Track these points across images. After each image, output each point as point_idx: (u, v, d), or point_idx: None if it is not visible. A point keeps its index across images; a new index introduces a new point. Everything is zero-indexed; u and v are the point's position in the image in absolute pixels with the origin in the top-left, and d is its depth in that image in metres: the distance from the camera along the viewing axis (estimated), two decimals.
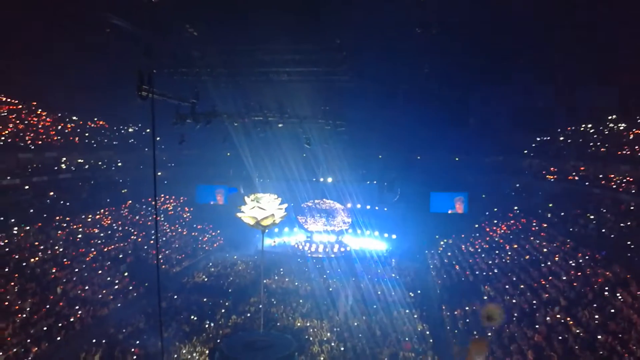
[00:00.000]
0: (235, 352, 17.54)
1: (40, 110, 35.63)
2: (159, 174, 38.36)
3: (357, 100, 21.85)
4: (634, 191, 26.72)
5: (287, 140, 20.50)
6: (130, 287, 26.02)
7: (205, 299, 25.81)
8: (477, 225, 36.07)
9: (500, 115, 34.64)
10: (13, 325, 19.22)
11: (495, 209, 36.90)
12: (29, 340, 18.78)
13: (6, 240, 25.28)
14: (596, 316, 18.24)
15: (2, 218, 26.57)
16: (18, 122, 32.94)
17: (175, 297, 25.98)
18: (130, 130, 44.75)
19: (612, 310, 18.24)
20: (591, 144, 34.02)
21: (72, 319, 21.32)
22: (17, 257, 24.20)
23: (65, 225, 29.63)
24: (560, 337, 17.76)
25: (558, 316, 19.23)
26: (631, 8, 18.31)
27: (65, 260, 25.83)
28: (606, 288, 19.92)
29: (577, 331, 17.78)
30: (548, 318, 19.33)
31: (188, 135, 17.46)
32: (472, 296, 24.23)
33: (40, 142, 33.18)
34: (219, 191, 40.82)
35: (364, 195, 38.91)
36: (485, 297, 23.56)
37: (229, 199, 38.56)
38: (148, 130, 39.28)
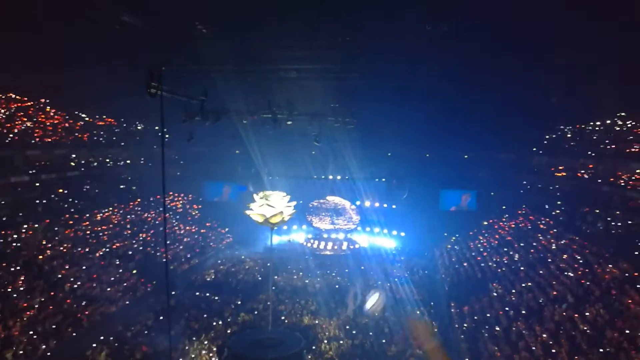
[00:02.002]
0: (243, 349, 17.62)
1: (48, 107, 35.83)
2: (169, 173, 38.45)
3: (366, 98, 21.76)
4: None
5: (296, 138, 20.44)
6: (139, 285, 26.12)
7: (214, 297, 25.87)
8: (485, 223, 35.96)
9: (511, 113, 34.44)
10: (21, 323, 19.33)
11: (504, 207, 36.76)
12: (36, 338, 18.86)
13: (15, 237, 25.44)
14: (604, 313, 18.17)
15: (11, 215, 26.75)
16: (26, 119, 33.14)
17: (184, 294, 26.06)
18: (139, 127, 44.92)
19: (620, 308, 18.16)
20: (600, 141, 33.81)
21: (80, 317, 21.43)
22: (25, 254, 24.35)
23: (73, 222, 29.78)
24: (567, 334, 17.70)
25: (565, 313, 19.15)
26: None
27: (73, 258, 25.94)
28: (613, 285, 19.83)
29: (585, 328, 17.71)
30: (556, 316, 19.26)
31: (197, 132, 17.49)
32: (480, 293, 24.18)
33: (49, 140, 33.36)
34: (226, 187, 40.96)
35: (373, 192, 38.86)
36: (495, 294, 23.48)
37: (238, 196, 38.59)
38: (157, 127, 39.40)
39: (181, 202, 41.79)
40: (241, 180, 36.57)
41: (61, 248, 26.41)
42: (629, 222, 25.08)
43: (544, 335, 18.09)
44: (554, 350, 17.03)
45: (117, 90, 29.41)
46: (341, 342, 20.50)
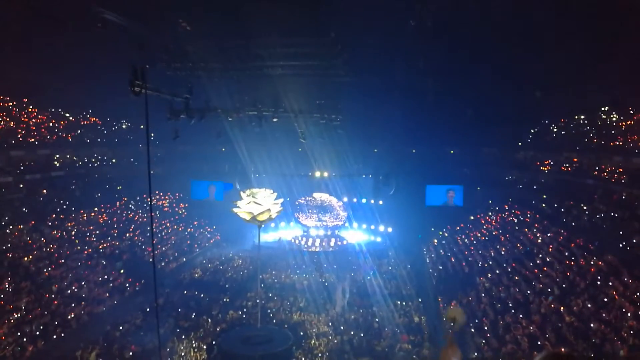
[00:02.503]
0: (233, 346, 17.65)
1: (31, 107, 35.37)
2: (154, 172, 38.20)
3: (352, 94, 21.82)
4: (625, 182, 26.94)
5: (282, 135, 20.46)
6: (127, 285, 25.96)
7: (202, 295, 25.82)
8: (472, 217, 36.24)
9: (495, 108, 34.79)
10: (8, 324, 19.14)
11: (491, 201, 37.09)
12: (24, 339, 18.71)
13: (0, 238, 25.13)
14: (589, 305, 18.44)
15: None
16: (9, 119, 32.68)
17: (172, 293, 25.96)
18: (123, 126, 44.54)
19: (605, 299, 18.44)
20: (584, 135, 34.24)
21: (68, 317, 21.28)
22: (10, 256, 24.07)
23: (59, 223, 29.47)
24: (554, 326, 17.94)
25: (552, 306, 19.40)
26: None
27: (59, 258, 25.71)
28: (599, 277, 20.13)
29: (571, 320, 17.96)
30: (542, 308, 19.50)
31: (182, 130, 17.42)
32: (467, 287, 24.41)
33: (32, 140, 32.94)
34: (212, 187, 40.79)
35: (360, 189, 39.00)
36: (481, 288, 23.71)
37: (224, 195, 38.44)
38: (142, 126, 39.10)
39: (168, 201, 41.54)
40: (228, 178, 36.50)
41: (47, 249, 26.13)
42: (613, 214, 25.42)
43: (531, 328, 18.32)
44: (540, 342, 17.26)
45: (100, 89, 29.16)
46: (330, 337, 20.58)
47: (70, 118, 38.66)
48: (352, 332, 21.00)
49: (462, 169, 40.48)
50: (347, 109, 19.63)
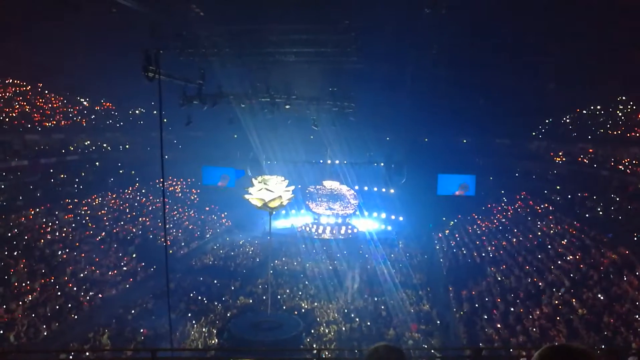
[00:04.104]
0: (243, 332, 17.80)
1: (47, 91, 35.66)
2: (167, 157, 38.45)
3: (365, 82, 21.65)
4: None
5: (294, 122, 20.38)
6: (139, 269, 26.26)
7: (213, 281, 26.04)
8: (484, 207, 36.01)
9: (509, 98, 34.35)
10: (23, 306, 19.49)
11: (503, 191, 36.79)
12: (39, 321, 19.05)
13: (15, 222, 25.50)
14: (601, 297, 18.28)
15: (10, 200, 26.77)
16: (25, 103, 32.99)
17: (184, 278, 26.22)
18: (137, 112, 44.75)
19: (618, 292, 18.26)
20: (600, 126, 33.73)
21: (81, 300, 21.60)
22: (26, 238, 24.43)
23: (73, 207, 29.83)
24: (565, 318, 17.82)
25: (563, 298, 19.27)
26: None
27: (73, 241, 26.06)
28: (612, 270, 19.92)
29: (582, 312, 17.83)
30: (554, 300, 19.38)
31: (194, 116, 17.43)
32: (478, 277, 24.32)
33: (47, 124, 33.24)
34: (224, 176, 40.88)
35: (371, 177, 38.87)
36: (491, 279, 23.61)
37: (236, 182, 38.53)
38: (155, 111, 39.24)
39: (180, 186, 41.81)
40: (239, 164, 36.56)
41: (61, 232, 26.49)
42: (628, 207, 25.09)
43: (542, 320, 18.23)
44: (551, 334, 17.17)
45: (114, 74, 29.26)
46: (340, 325, 20.67)
47: (85, 103, 38.91)
48: (360, 320, 21.06)
49: (474, 159, 40.14)
50: (360, 96, 19.47)
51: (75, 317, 20.48)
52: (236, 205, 34.98)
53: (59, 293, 21.37)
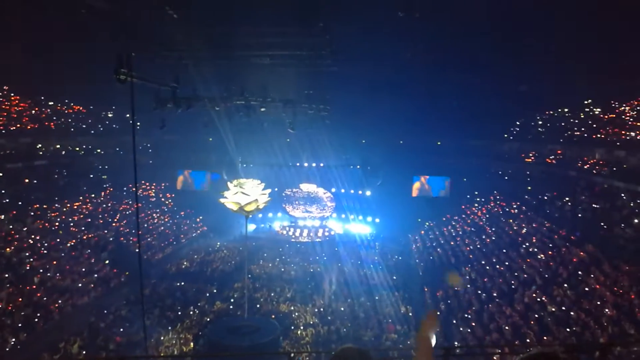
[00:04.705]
0: (220, 337, 17.64)
1: (12, 94, 34.66)
2: (141, 161, 37.80)
3: (340, 85, 21.74)
4: (607, 174, 27.37)
5: (270, 125, 20.34)
6: (112, 275, 25.74)
7: (189, 286, 25.71)
8: (458, 208, 36.53)
9: (482, 100, 34.96)
10: None
11: (477, 192, 37.40)
12: (5, 331, 18.44)
13: None
14: (570, 294, 18.75)
15: None
16: None
17: (159, 284, 25.81)
18: (109, 115, 43.92)
19: (586, 289, 18.77)
20: (568, 128, 34.65)
21: (51, 309, 21.01)
22: None
23: (42, 213, 29.04)
24: (536, 315, 18.23)
25: (534, 295, 19.70)
26: None
27: (42, 249, 25.37)
28: (580, 267, 20.48)
29: (553, 309, 18.26)
30: (526, 298, 19.79)
31: (169, 120, 17.23)
32: None
33: (13, 128, 32.35)
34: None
35: (348, 179, 39.02)
36: (467, 278, 23.96)
37: (208, 186, 38.28)
38: (128, 115, 38.61)
39: (154, 191, 41.19)
40: (215, 168, 36.30)
41: (30, 239, 25.75)
42: (595, 206, 25.84)
43: (515, 317, 18.59)
44: (523, 331, 17.53)
45: (85, 77, 28.64)
46: (317, 328, 20.66)
47: (54, 106, 38.00)
48: (338, 322, 21.10)
49: (449, 161, 40.69)
50: (336, 99, 19.59)
51: (45, 326, 19.91)
52: (212, 209, 34.65)
53: (27, 302, 20.74)
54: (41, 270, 23.41)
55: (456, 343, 17.96)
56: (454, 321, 19.94)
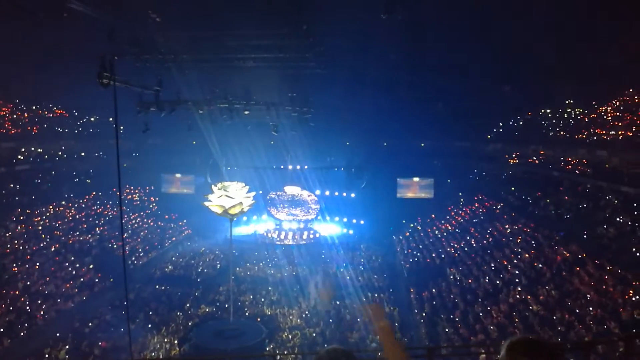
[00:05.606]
0: (205, 341, 17.59)
1: None
2: (124, 165, 37.51)
3: (324, 87, 21.84)
4: (589, 174, 27.79)
5: (254, 128, 20.36)
6: (96, 280, 25.48)
7: (174, 289, 25.54)
8: (443, 210, 36.77)
9: (467, 101, 35.32)
10: None
11: (461, 193, 37.70)
12: None
13: None
14: (555, 294, 18.99)
15: None
16: None
17: (144, 288, 25.60)
18: (92, 119, 43.52)
19: (570, 288, 19.02)
20: (550, 128, 35.14)
21: (34, 314, 20.77)
22: None
23: (25, 218, 28.67)
24: (521, 315, 18.42)
25: (519, 295, 19.91)
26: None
27: (25, 254, 25.05)
28: (564, 267, 20.74)
29: (537, 309, 18.47)
30: (510, 298, 19.99)
31: (152, 123, 17.14)
32: (438, 278, 24.80)
33: None
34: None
35: (332, 181, 39.07)
36: (451, 279, 24.15)
37: (196, 189, 38.10)
38: (111, 118, 38.27)
39: (138, 194, 40.85)
40: (199, 171, 36.14)
41: (12, 245, 25.39)
42: (578, 206, 26.20)
43: (500, 317, 18.76)
44: (508, 331, 17.69)
45: (67, 80, 28.39)
46: (303, 330, 20.67)
47: (37, 110, 37.57)
48: (324, 325, 21.11)
49: (433, 162, 40.99)
50: (319, 102, 19.67)
51: (29, 332, 19.66)
52: (196, 212, 34.46)
53: (11, 308, 20.45)
54: (25, 276, 23.12)
55: (442, 344, 18.07)
56: (441, 321, 20.07)
